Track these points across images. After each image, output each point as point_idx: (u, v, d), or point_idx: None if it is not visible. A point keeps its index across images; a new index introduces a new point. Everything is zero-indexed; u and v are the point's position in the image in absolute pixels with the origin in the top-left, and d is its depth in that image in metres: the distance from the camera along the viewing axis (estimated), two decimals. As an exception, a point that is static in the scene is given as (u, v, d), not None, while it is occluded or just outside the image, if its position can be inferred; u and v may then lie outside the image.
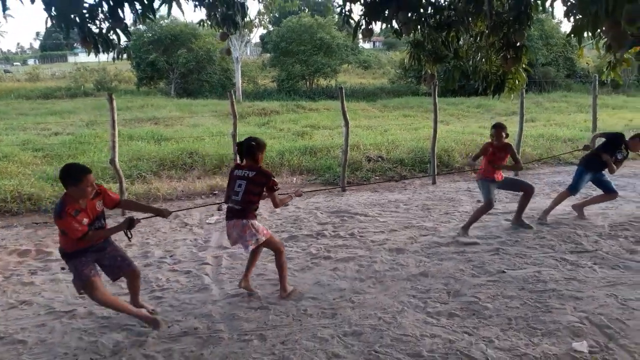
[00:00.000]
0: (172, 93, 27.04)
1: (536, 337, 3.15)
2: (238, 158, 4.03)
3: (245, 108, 19.02)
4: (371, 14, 4.31)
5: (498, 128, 5.26)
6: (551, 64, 29.76)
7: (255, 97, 26.74)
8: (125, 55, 4.07)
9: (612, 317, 3.34)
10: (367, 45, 58.02)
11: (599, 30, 3.44)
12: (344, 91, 8.31)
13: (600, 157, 5.53)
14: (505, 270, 4.29)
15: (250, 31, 28.98)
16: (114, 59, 4.06)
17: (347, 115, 8.08)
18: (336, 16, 28.12)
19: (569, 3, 3.62)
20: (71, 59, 51.72)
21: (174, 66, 27.30)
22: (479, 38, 5.14)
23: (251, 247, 3.76)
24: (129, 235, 3.41)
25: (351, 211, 6.57)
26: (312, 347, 3.14)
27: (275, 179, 3.83)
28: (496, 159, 5.25)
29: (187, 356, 3.08)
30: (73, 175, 3.07)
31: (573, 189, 5.79)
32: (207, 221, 6.30)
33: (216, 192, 7.97)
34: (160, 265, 4.78)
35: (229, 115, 7.77)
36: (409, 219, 6.09)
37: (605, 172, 5.67)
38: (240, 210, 3.71)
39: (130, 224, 3.34)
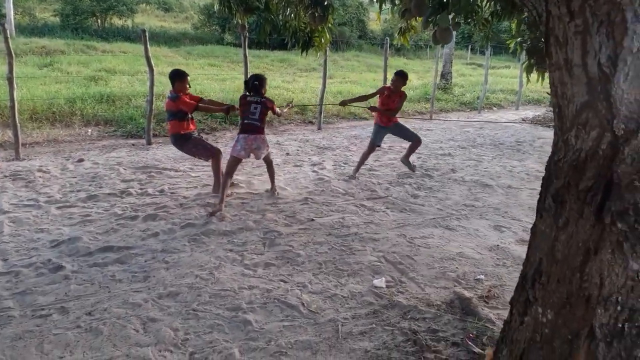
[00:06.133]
0: None
1: (343, 278, 3.47)
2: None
3: (20, 45, 16.03)
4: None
5: (404, 77, 5.68)
6: (346, 24, 32.00)
7: (32, 32, 22.65)
8: None
9: (403, 254, 3.87)
10: (167, -15, 53.82)
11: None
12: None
13: None
14: (314, 218, 4.59)
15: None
16: None
17: (152, 61, 7.43)
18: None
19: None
20: None
21: None
22: (289, -7, 5.18)
23: (262, 157, 5.02)
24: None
25: (159, 166, 6.20)
26: (124, 314, 2.92)
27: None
28: (389, 103, 5.70)
29: (-37, 345, 2.56)
30: (181, 74, 4.81)
31: None
32: (-23, 181, 5.24)
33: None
34: None
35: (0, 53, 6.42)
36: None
37: None
38: (260, 127, 4.84)
39: (228, 110, 4.89)
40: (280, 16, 5.70)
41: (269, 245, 3.99)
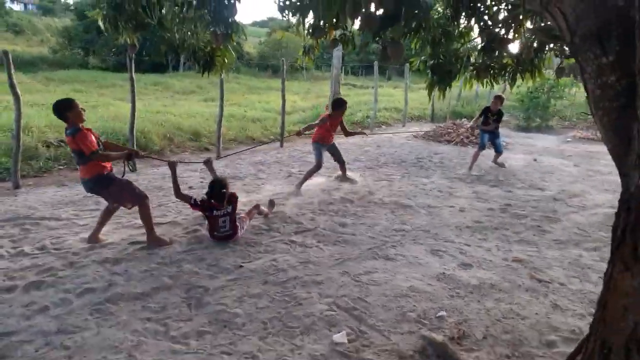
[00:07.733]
0: None
1: (297, 338, 2.94)
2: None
3: None
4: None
5: (343, 105, 6.59)
6: (223, 46, 31.42)
7: None
8: None
9: (354, 297, 3.44)
10: (16, 7, 49.44)
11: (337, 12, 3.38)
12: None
13: (485, 126, 7.78)
14: (242, 264, 3.98)
15: None
16: None
17: (18, 89, 6.13)
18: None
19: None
20: None
21: None
22: (185, 8, 4.61)
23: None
24: (130, 167, 4.42)
25: (34, 215, 5.06)
26: None
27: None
28: (333, 126, 6.51)
29: None
30: (68, 102, 3.89)
31: (481, 146, 7.94)
32: None
33: None
34: None
35: None
36: (116, 217, 5.08)
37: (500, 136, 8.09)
38: (234, 232, 4.46)
39: (129, 156, 4.20)
40: (177, 34, 5.09)
41: (195, 306, 3.31)
